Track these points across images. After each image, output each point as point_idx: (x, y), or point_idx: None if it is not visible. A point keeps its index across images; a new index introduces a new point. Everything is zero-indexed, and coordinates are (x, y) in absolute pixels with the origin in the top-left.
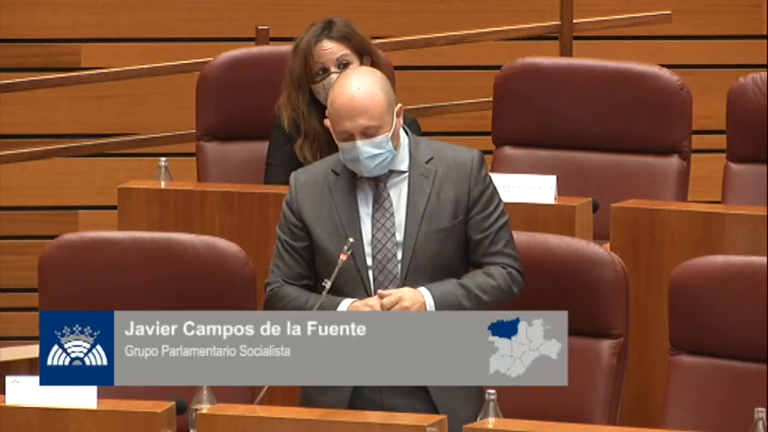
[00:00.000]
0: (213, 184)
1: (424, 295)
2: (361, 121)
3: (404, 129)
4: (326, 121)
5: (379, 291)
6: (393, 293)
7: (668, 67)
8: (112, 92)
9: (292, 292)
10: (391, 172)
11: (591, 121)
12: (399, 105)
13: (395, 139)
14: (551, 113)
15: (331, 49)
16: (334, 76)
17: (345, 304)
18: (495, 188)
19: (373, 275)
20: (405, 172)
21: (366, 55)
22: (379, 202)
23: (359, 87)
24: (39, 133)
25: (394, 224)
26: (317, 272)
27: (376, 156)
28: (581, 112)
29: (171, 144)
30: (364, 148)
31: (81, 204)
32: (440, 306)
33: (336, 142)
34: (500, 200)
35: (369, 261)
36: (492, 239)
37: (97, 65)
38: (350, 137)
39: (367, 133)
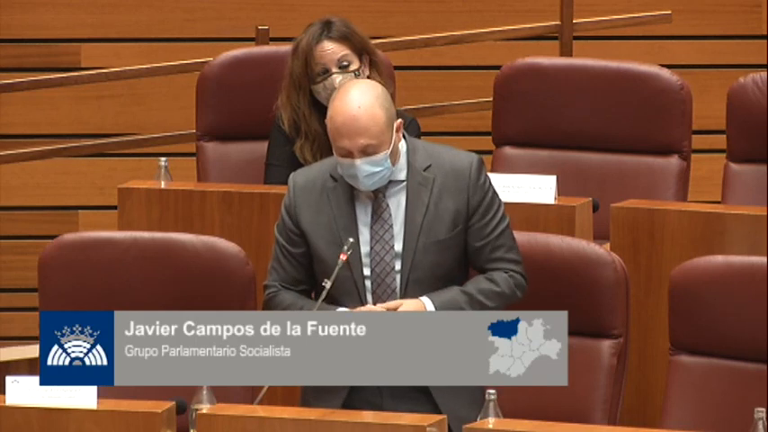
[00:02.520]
0: (213, 184)
1: (425, 305)
2: (360, 140)
3: (402, 134)
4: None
5: (379, 305)
6: (393, 303)
7: (668, 67)
8: (112, 92)
9: (288, 298)
10: (390, 182)
11: (591, 121)
12: (399, 121)
13: (393, 155)
14: (551, 113)
15: (331, 49)
16: (335, 77)
17: None
18: (494, 193)
19: (372, 288)
20: (403, 181)
21: (365, 54)
22: (378, 213)
23: (359, 105)
24: (39, 133)
25: (392, 236)
26: (316, 278)
27: (374, 174)
28: (581, 112)
29: (171, 144)
30: (363, 166)
31: (81, 204)
32: None
33: (335, 155)
34: (500, 204)
35: (366, 271)
36: (493, 246)
37: (97, 65)
38: (348, 154)
39: (366, 152)
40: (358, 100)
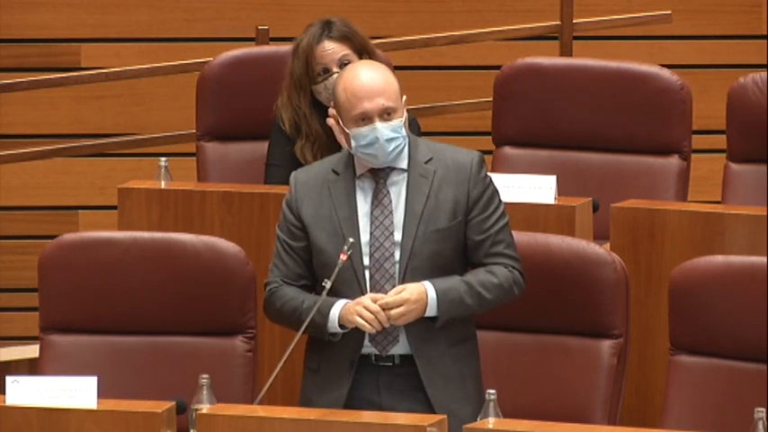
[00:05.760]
0: (213, 184)
1: (427, 289)
2: (380, 100)
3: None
4: (329, 120)
5: (383, 296)
6: (399, 294)
7: (668, 67)
8: (112, 92)
9: (289, 293)
10: (392, 170)
11: (591, 121)
12: (404, 97)
13: (405, 127)
14: (551, 113)
15: (332, 49)
16: (335, 77)
17: (338, 307)
18: (495, 189)
19: (370, 274)
20: (404, 170)
21: (365, 54)
22: (379, 198)
23: (373, 71)
24: (39, 133)
25: (392, 223)
26: (316, 272)
27: (393, 139)
28: (581, 112)
29: (171, 144)
30: (384, 129)
31: (81, 204)
32: (441, 301)
33: (350, 130)
34: (500, 201)
35: (366, 260)
36: (492, 241)
37: (97, 65)
38: (368, 118)
39: (386, 114)
40: (369, 68)
